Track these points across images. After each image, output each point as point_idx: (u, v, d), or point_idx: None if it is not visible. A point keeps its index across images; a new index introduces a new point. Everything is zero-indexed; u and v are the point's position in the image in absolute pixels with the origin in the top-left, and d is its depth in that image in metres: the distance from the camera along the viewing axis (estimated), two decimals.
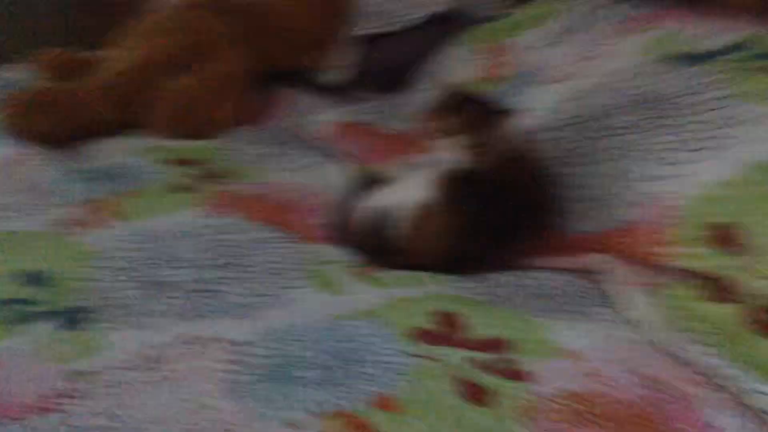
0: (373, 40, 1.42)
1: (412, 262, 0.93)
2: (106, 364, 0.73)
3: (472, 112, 0.98)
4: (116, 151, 1.23)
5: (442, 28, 1.44)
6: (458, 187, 0.94)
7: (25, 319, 0.80)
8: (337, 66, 1.41)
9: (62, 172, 1.13)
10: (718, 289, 0.76)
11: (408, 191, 0.96)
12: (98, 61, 1.46)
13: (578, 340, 0.73)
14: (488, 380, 0.69)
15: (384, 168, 1.14)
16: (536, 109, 1.06)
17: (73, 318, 0.81)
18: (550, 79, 1.11)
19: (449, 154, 0.97)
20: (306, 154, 1.23)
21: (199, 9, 1.41)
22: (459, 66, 1.26)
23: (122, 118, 1.31)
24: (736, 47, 0.99)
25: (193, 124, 1.29)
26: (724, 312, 0.73)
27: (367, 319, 0.78)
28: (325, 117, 1.33)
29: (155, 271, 0.88)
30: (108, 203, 1.03)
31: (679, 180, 0.84)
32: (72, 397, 0.68)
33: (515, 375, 0.70)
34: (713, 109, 0.88)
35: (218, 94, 1.32)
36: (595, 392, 0.67)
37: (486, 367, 0.71)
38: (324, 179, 1.15)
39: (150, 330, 0.78)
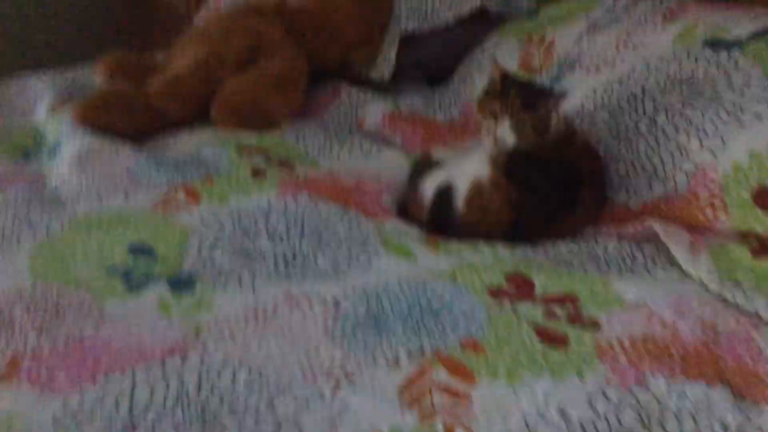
0: (416, 36, 1.53)
1: (474, 235, 1.03)
2: (221, 318, 0.83)
3: (521, 95, 1.08)
4: (189, 143, 1.34)
5: (479, 25, 1.54)
6: (515, 163, 1.04)
7: (142, 283, 0.91)
8: (383, 61, 1.52)
9: (150, 160, 1.24)
10: (764, 245, 0.85)
11: (468, 168, 1.06)
12: (159, 63, 1.58)
13: (640, 293, 0.83)
14: (561, 327, 0.79)
15: (439, 153, 1.24)
16: (580, 93, 1.16)
17: (180, 282, 0.91)
18: (593, 66, 1.21)
19: (503, 135, 1.07)
20: (362, 143, 1.33)
21: (256, 12, 1.52)
22: (504, 57, 1.36)
23: (189, 113, 1.42)
24: (761, 33, 1.08)
25: (251, 117, 1.39)
26: None
27: (446, 280, 0.87)
28: (375, 108, 1.43)
29: (249, 243, 0.99)
30: (196, 187, 1.14)
31: (724, 149, 0.93)
32: (199, 344, 0.79)
33: (585, 323, 0.79)
34: (749, 87, 0.98)
35: (277, 89, 1.42)
36: (659, 336, 0.76)
37: (558, 317, 0.80)
38: (384, 164, 1.26)
39: (251, 291, 0.89)
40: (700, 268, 0.87)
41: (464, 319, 0.80)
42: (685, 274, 0.88)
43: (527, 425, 0.66)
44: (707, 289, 0.84)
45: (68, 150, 1.29)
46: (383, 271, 0.91)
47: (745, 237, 0.88)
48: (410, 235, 1.03)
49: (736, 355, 0.73)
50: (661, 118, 1.03)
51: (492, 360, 0.73)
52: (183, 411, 0.69)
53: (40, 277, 0.92)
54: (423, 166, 1.19)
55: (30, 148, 1.39)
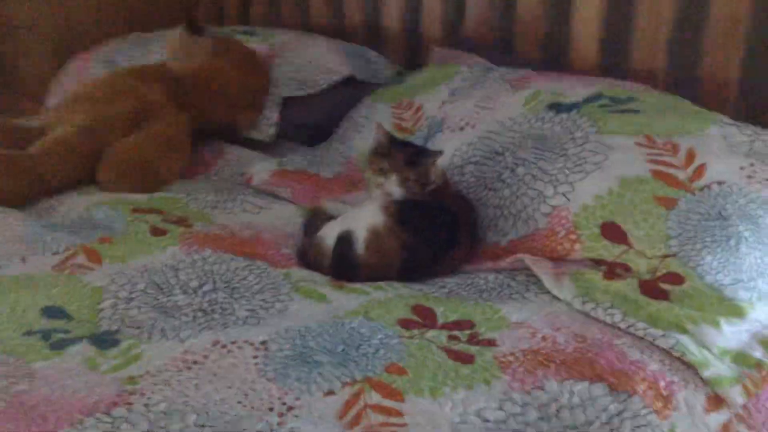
0: (295, 100, 1.65)
1: (373, 275, 1.15)
2: (154, 369, 0.88)
3: (404, 154, 1.23)
4: (78, 206, 1.35)
5: (350, 91, 1.70)
6: (404, 211, 1.18)
7: (63, 343, 0.93)
8: (266, 123, 1.62)
9: (41, 225, 1.24)
10: (612, 270, 1.05)
11: (364, 217, 1.18)
12: (33, 128, 1.57)
13: (522, 315, 0.99)
14: (465, 347, 0.92)
15: (329, 205, 1.35)
16: (449, 150, 1.33)
17: (104, 340, 0.94)
18: (457, 126, 1.39)
19: (390, 188, 1.21)
20: (253, 198, 1.41)
21: (139, 77, 1.57)
22: (379, 119, 1.51)
23: (75, 177, 1.43)
24: (593, 98, 1.32)
25: (141, 179, 1.43)
26: (619, 286, 1.02)
27: (360, 316, 0.98)
28: (262, 166, 1.52)
29: (164, 298, 1.04)
30: (96, 248, 1.16)
31: (573, 193, 1.13)
32: (137, 394, 0.83)
33: (483, 343, 0.93)
34: (587, 141, 1.20)
35: (165, 150, 1.48)
36: (543, 348, 0.92)
37: (460, 340, 0.94)
38: (277, 217, 1.35)
39: (179, 341, 0.94)
40: (564, 291, 1.04)
41: (384, 348, 0.91)
42: (553, 297, 1.05)
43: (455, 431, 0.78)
44: (573, 308, 1.02)
45: None
46: (301, 314, 1.00)
47: (597, 263, 1.08)
48: (316, 280, 1.13)
49: (606, 357, 0.90)
50: (519, 170, 1.22)
51: (415, 379, 0.85)
52: None
53: None
54: (316, 217, 1.31)
55: None
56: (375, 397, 0.82)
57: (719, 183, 1.09)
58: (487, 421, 0.79)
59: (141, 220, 1.28)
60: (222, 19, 2.44)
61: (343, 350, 0.91)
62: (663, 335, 0.93)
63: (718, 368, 0.90)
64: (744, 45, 1.36)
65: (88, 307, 1.02)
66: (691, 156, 1.13)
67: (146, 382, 0.85)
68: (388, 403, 0.81)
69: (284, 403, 0.81)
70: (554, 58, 1.63)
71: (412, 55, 1.93)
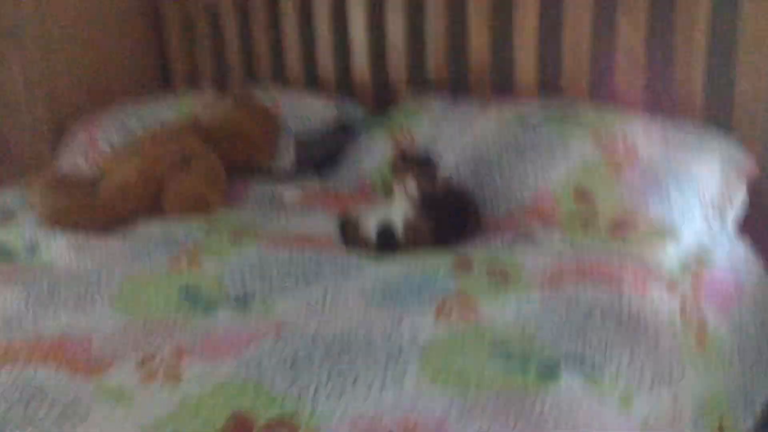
0: (304, 141, 2.03)
1: (410, 251, 1.52)
2: (287, 313, 1.22)
3: (417, 163, 1.62)
4: (156, 230, 1.65)
5: (343, 131, 2.10)
6: (425, 205, 1.56)
7: (211, 308, 1.26)
8: (285, 157, 1.99)
9: (136, 243, 1.54)
10: (584, 222, 1.47)
11: (397, 212, 1.55)
12: (87, 179, 1.87)
13: (535, 259, 1.39)
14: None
15: (353, 212, 1.72)
16: (447, 157, 1.73)
17: (239, 303, 1.28)
18: (449, 139, 1.80)
19: (411, 189, 1.59)
20: (290, 213, 1.76)
21: (176, 128, 1.91)
22: (378, 147, 1.91)
23: (139, 209, 1.74)
24: (544, 115, 1.77)
25: (197, 206, 1.76)
26: (593, 231, 1.44)
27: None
28: (289, 190, 1.87)
29: (266, 274, 1.37)
30: (194, 251, 1.48)
31: (550, 176, 1.56)
32: (286, 327, 1.16)
33: (511, 274, 1.32)
34: (552, 141, 1.63)
35: (210, 184, 1.81)
36: (567, 269, 1.32)
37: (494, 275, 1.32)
38: (317, 224, 1.70)
39: (305, 287, 1.28)
40: (553, 241, 1.46)
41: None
42: (553, 244, 1.45)
43: None
44: (564, 249, 1.43)
45: (55, 245, 1.54)
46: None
47: (573, 218, 1.50)
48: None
49: (600, 268, 1.31)
50: (505, 166, 1.64)
51: None
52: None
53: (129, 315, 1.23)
54: (348, 220, 1.67)
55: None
56: None
57: (650, 157, 1.55)
58: None
59: (216, 233, 1.61)
60: (197, 81, 2.78)
61: None
62: (632, 254, 1.35)
63: (671, 269, 1.33)
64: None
65: (215, 286, 1.34)
66: (626, 142, 1.59)
67: (290, 320, 1.19)
68: None
69: None
70: (503, 84, 2.09)
71: (380, 100, 2.35)
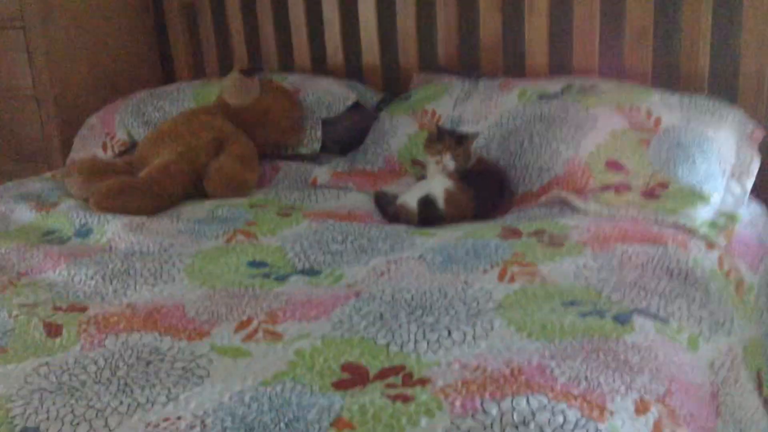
0: (326, 121, 2.08)
1: (452, 222, 1.59)
2: (359, 279, 1.29)
3: (450, 138, 1.70)
4: (200, 211, 1.70)
5: (361, 113, 2.16)
6: (465, 177, 1.64)
7: (283, 277, 1.32)
8: (312, 139, 2.04)
9: (186, 223, 1.59)
10: (618, 190, 1.57)
11: (437, 185, 1.63)
12: (121, 164, 1.90)
13: (576, 222, 1.48)
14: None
15: (387, 188, 1.79)
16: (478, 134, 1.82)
17: (308, 272, 1.34)
18: (474, 120, 1.88)
19: (446, 163, 1.67)
20: (325, 191, 1.82)
21: (207, 112, 1.95)
22: (402, 126, 1.98)
23: (180, 191, 1.78)
24: (567, 87, 1.87)
25: (236, 187, 1.81)
26: (627, 197, 1.54)
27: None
28: (320, 170, 1.93)
29: (326, 247, 1.43)
30: (247, 229, 1.54)
31: (580, 147, 1.65)
32: (363, 289, 1.23)
33: (558, 242, 1.41)
34: (577, 113, 1.73)
35: (246, 166, 1.86)
36: (618, 231, 1.41)
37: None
38: (354, 201, 1.76)
39: (363, 262, 1.35)
40: (590, 206, 1.55)
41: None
42: (591, 211, 1.54)
43: None
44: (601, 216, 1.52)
45: (110, 228, 1.58)
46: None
47: (606, 188, 1.59)
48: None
49: (640, 231, 1.40)
50: (535, 139, 1.73)
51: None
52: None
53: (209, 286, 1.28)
54: (383, 196, 1.74)
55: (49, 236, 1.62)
56: None
57: (673, 126, 1.66)
58: None
59: (262, 210, 1.67)
60: (200, 73, 2.80)
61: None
62: (669, 215, 1.45)
63: (705, 229, 1.43)
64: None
65: (279, 258, 1.40)
66: (648, 113, 1.70)
67: (363, 285, 1.26)
68: None
69: None
70: (514, 67, 2.18)
71: (389, 84, 2.42)
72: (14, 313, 1.19)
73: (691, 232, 1.42)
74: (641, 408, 0.91)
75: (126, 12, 2.72)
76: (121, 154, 2.24)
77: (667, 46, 1.98)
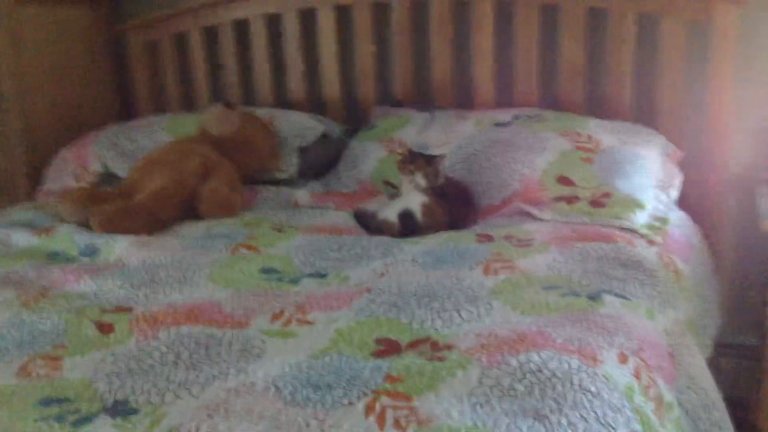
0: (300, 150, 2.28)
1: (429, 233, 1.81)
2: (365, 277, 1.48)
3: (421, 158, 1.93)
4: (196, 230, 1.85)
5: (330, 142, 2.37)
6: (436, 193, 1.87)
7: (297, 280, 1.49)
8: (286, 167, 2.23)
9: (186, 241, 1.73)
10: (569, 201, 1.83)
11: (414, 200, 1.85)
12: (111, 192, 2.02)
13: (539, 229, 1.72)
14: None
15: (365, 206, 1.99)
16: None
17: (320, 275, 1.52)
18: (438, 144, 2.12)
19: (418, 181, 1.89)
20: (308, 212, 2.00)
21: (192, 141, 2.11)
22: (372, 152, 2.19)
23: (173, 214, 1.92)
24: (514, 118, 2.14)
25: (225, 209, 1.97)
26: (578, 206, 1.80)
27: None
28: (300, 193, 2.11)
29: (326, 255, 1.61)
30: (248, 243, 1.70)
31: (535, 165, 1.91)
32: (383, 280, 1.42)
33: (520, 244, 1.65)
34: (526, 138, 2.00)
35: (232, 189, 2.02)
36: (567, 236, 1.66)
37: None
38: (335, 219, 1.95)
39: (367, 265, 1.54)
40: (546, 215, 1.80)
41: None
42: (548, 219, 1.79)
43: None
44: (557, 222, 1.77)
45: (118, 246, 1.70)
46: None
47: (559, 199, 1.85)
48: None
49: (592, 233, 1.66)
50: (494, 160, 1.98)
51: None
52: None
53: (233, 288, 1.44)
54: (362, 213, 1.94)
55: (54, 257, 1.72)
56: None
57: (611, 147, 1.95)
58: None
59: (257, 228, 1.83)
60: (162, 104, 2.93)
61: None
62: (614, 220, 1.72)
63: (644, 230, 1.71)
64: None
65: (287, 265, 1.57)
66: (590, 136, 1.99)
67: (369, 283, 1.45)
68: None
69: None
70: (464, 101, 2.44)
71: (349, 117, 2.63)
72: (64, 316, 1.31)
73: (633, 232, 1.69)
74: (623, 359, 1.14)
75: (89, 51, 2.83)
76: (97, 185, 2.34)
77: (595, 82, 2.29)
